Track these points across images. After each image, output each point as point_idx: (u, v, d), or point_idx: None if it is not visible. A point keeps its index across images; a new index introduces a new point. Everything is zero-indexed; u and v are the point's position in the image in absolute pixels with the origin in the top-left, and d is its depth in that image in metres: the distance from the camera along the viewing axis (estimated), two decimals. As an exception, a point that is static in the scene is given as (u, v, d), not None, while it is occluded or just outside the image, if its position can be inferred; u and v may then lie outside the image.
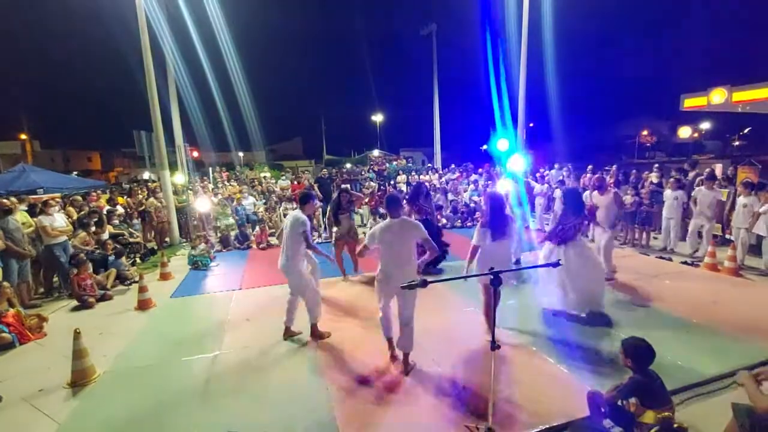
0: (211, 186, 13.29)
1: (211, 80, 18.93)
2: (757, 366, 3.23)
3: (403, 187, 13.71)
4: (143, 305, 5.36)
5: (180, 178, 11.78)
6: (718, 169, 9.42)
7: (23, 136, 34.16)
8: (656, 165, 9.74)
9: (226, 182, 13.91)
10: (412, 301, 3.39)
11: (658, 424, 2.31)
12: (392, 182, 15.19)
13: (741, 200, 6.30)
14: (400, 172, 15.89)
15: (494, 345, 2.42)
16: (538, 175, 12.39)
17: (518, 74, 11.19)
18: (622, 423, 2.48)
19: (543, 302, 4.72)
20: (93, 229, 6.88)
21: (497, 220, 3.76)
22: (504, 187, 7.22)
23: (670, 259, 6.81)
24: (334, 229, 6.35)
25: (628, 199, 7.73)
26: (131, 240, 8.18)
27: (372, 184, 14.22)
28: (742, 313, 4.45)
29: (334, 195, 7.42)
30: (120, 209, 9.11)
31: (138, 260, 7.92)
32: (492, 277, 2.38)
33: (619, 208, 5.73)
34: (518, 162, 9.35)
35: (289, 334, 4.18)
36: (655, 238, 7.95)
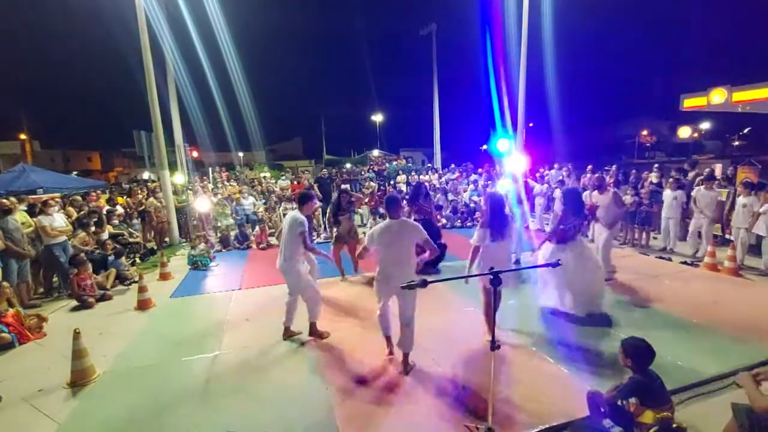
0: (210, 186, 13.30)
1: (211, 80, 18.95)
2: (756, 366, 3.24)
3: (403, 187, 13.72)
4: (143, 305, 5.36)
5: (180, 178, 11.78)
6: (718, 169, 9.43)
7: (23, 136, 34.14)
8: (656, 165, 9.75)
9: (225, 182, 13.91)
10: (412, 301, 3.39)
11: (657, 424, 2.31)
12: (392, 182, 15.20)
13: (741, 200, 6.30)
14: (400, 172, 15.89)
15: (494, 345, 2.42)
16: (537, 175, 12.39)
17: (518, 74, 11.19)
18: (622, 423, 2.48)
19: (543, 302, 4.73)
20: (93, 229, 6.88)
21: (497, 220, 3.76)
22: (504, 187, 7.23)
23: (669, 259, 6.82)
24: (334, 229, 6.35)
25: (627, 199, 7.73)
26: (131, 240, 8.18)
27: (372, 184, 14.23)
28: (742, 313, 4.45)
29: (334, 195, 7.43)
30: (120, 209, 9.11)
31: (138, 260, 7.91)
32: (491, 277, 2.38)
33: (619, 207, 5.73)
34: (518, 162, 9.35)
35: (288, 334, 4.18)
36: (655, 238, 7.95)
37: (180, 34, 12.47)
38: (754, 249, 6.38)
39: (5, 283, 4.89)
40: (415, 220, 6.57)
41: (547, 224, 9.50)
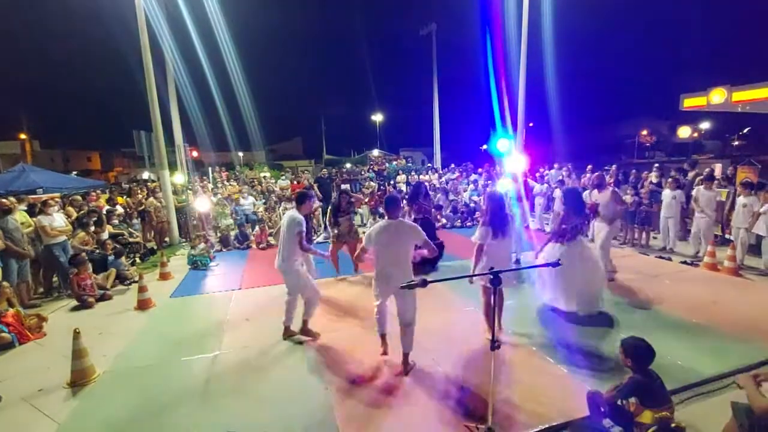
0: (210, 186, 13.30)
1: (210, 80, 18.95)
2: (756, 366, 3.24)
3: (403, 187, 13.72)
4: (143, 305, 5.36)
5: (179, 177, 11.78)
6: (718, 168, 9.42)
7: (23, 136, 34.15)
8: (656, 165, 9.74)
9: (225, 182, 13.91)
10: (412, 301, 3.38)
11: (656, 423, 2.31)
12: (392, 182, 15.20)
13: (741, 200, 6.30)
14: (400, 171, 15.89)
15: (494, 345, 2.43)
16: (537, 174, 12.39)
17: (518, 74, 11.19)
18: (622, 423, 2.48)
19: (543, 301, 4.73)
20: (92, 228, 6.88)
21: (498, 219, 3.77)
22: (504, 186, 7.23)
23: (669, 259, 6.82)
24: (335, 230, 6.35)
25: (627, 198, 7.74)
26: (131, 240, 8.19)
27: (372, 183, 14.23)
28: (742, 312, 4.45)
29: (334, 195, 7.43)
30: (119, 209, 9.12)
31: (137, 260, 7.91)
32: (491, 276, 2.38)
33: (619, 205, 5.73)
34: (518, 162, 9.34)
35: (288, 334, 4.18)
36: (655, 238, 7.95)
37: (180, 34, 12.49)
38: (754, 249, 6.38)
39: (5, 283, 4.89)
40: (414, 219, 6.59)
41: (547, 224, 9.50)
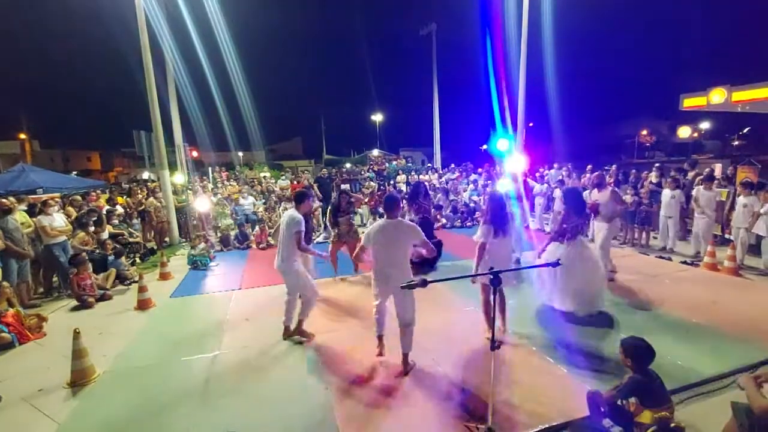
0: (210, 186, 13.30)
1: (210, 80, 18.95)
2: (756, 366, 3.24)
3: (403, 187, 13.72)
4: (143, 305, 5.36)
5: (179, 177, 11.78)
6: (718, 168, 9.42)
7: (23, 136, 34.16)
8: (656, 165, 9.74)
9: (225, 182, 13.92)
10: (410, 302, 3.37)
11: (655, 423, 2.31)
12: (392, 182, 15.20)
13: (741, 200, 6.30)
14: (400, 171, 15.88)
15: (494, 345, 2.43)
16: (537, 174, 12.39)
17: (518, 74, 11.19)
18: (622, 422, 2.48)
19: (543, 301, 4.73)
20: (92, 228, 6.88)
21: (499, 217, 3.79)
22: (504, 186, 7.24)
23: (669, 259, 6.82)
24: (334, 230, 6.35)
25: (627, 198, 7.74)
26: (131, 240, 8.19)
27: (372, 183, 14.22)
28: (742, 312, 4.45)
29: (334, 195, 7.43)
30: (119, 209, 9.12)
31: (137, 260, 7.92)
32: (491, 276, 2.38)
33: (619, 205, 5.73)
34: (517, 162, 9.35)
35: (288, 334, 4.18)
36: (655, 238, 7.95)
37: (180, 34, 12.49)
38: (754, 249, 6.39)
39: (5, 283, 4.89)
40: (414, 218, 6.60)
41: (547, 224, 9.50)
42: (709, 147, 35.72)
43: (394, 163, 18.47)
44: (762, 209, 5.94)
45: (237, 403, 3.11)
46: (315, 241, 7.01)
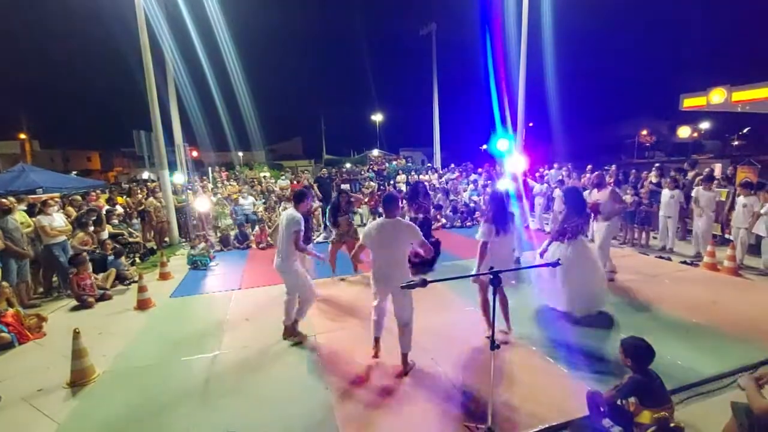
0: (210, 186, 13.30)
1: (210, 80, 18.93)
2: (756, 366, 3.24)
3: (403, 187, 13.73)
4: (142, 305, 5.36)
5: (179, 177, 11.78)
6: (718, 168, 9.43)
7: (22, 136, 34.16)
8: (656, 165, 9.74)
9: (225, 182, 13.92)
10: (408, 301, 3.37)
11: (654, 424, 2.31)
12: (392, 182, 15.21)
13: (741, 200, 6.30)
14: (400, 171, 15.89)
15: (494, 345, 2.43)
16: (537, 174, 12.39)
17: (518, 74, 11.19)
18: (622, 422, 2.48)
19: (543, 301, 4.73)
20: (92, 228, 6.87)
21: (500, 216, 3.79)
22: (504, 186, 7.24)
23: (669, 259, 6.82)
24: (334, 230, 6.35)
25: (627, 198, 7.74)
26: (130, 240, 8.19)
27: (372, 183, 14.23)
28: (742, 312, 4.45)
29: (334, 195, 7.43)
30: (119, 209, 9.11)
31: (137, 260, 7.91)
32: (491, 276, 2.38)
33: (618, 203, 5.73)
34: (517, 162, 9.34)
35: (288, 334, 4.17)
36: (655, 238, 7.95)
37: (180, 34, 12.48)
38: (754, 249, 6.39)
39: (5, 283, 4.88)
40: (413, 218, 6.61)
41: (547, 224, 9.50)
42: (709, 147, 35.75)
43: (394, 163, 18.49)
44: (762, 209, 5.94)
45: (237, 403, 3.11)
46: (315, 241, 7.01)
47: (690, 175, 8.62)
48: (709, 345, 3.73)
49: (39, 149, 36.92)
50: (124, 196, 11.15)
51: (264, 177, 15.55)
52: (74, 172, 27.02)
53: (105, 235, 7.22)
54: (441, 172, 16.53)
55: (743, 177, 7.60)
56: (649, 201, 7.82)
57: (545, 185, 10.13)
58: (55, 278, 6.40)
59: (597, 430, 2.61)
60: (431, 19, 20.85)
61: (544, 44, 13.49)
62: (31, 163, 19.70)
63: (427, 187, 7.74)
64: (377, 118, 36.76)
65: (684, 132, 32.82)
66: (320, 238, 8.80)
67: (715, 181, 7.35)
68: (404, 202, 7.25)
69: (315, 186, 11.55)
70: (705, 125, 35.10)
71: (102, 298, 5.74)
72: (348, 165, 24.54)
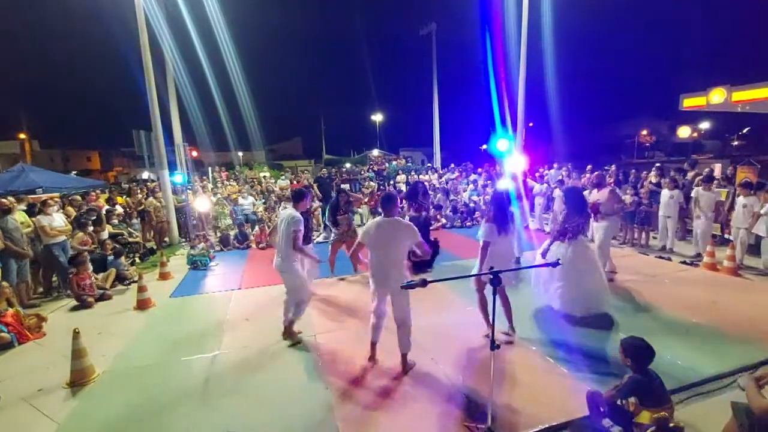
0: (210, 186, 13.30)
1: (210, 80, 18.91)
2: (756, 366, 3.24)
3: (403, 187, 13.74)
4: (142, 305, 5.36)
5: (179, 177, 11.77)
6: (718, 168, 9.43)
7: (22, 136, 34.16)
8: (657, 165, 9.74)
9: (225, 182, 13.92)
10: (405, 301, 3.35)
11: (654, 424, 2.31)
12: (392, 182, 15.21)
13: (741, 200, 6.30)
14: (400, 171, 15.90)
15: (494, 345, 2.43)
16: (537, 174, 12.40)
17: (518, 74, 11.18)
18: (622, 422, 2.48)
19: (543, 301, 4.72)
20: (91, 228, 6.87)
21: (502, 216, 3.79)
22: (505, 186, 7.24)
23: (669, 259, 6.82)
24: (334, 230, 6.35)
25: (627, 198, 7.74)
26: (130, 240, 8.18)
27: (371, 183, 14.25)
28: (742, 312, 4.45)
29: (333, 195, 7.44)
30: (119, 209, 9.12)
31: (137, 260, 7.91)
32: (491, 276, 2.38)
33: (617, 203, 5.73)
34: (517, 162, 9.33)
35: (288, 334, 4.17)
36: (654, 238, 7.95)
37: (179, 33, 12.46)
38: (754, 249, 6.39)
39: (5, 283, 4.88)
40: (413, 217, 6.62)
41: (547, 224, 9.50)
42: (708, 147, 35.76)
43: (394, 163, 18.49)
44: (762, 210, 5.94)
45: (237, 403, 3.11)
46: (315, 241, 7.01)
47: (690, 175, 8.62)
48: (709, 345, 3.73)
49: (39, 149, 36.94)
50: (124, 196, 11.15)
51: (264, 177, 15.56)
52: (74, 172, 27.01)
53: (105, 235, 7.21)
54: (441, 172, 16.54)
55: (743, 177, 7.60)
56: (649, 201, 7.82)
57: (545, 185, 10.14)
58: (54, 278, 6.39)
59: (597, 430, 2.61)
60: (431, 19, 20.85)
61: (544, 44, 13.50)
62: (31, 163, 19.69)
63: (427, 187, 7.74)
64: (377, 118, 36.77)
65: (684, 132, 32.83)
66: (320, 238, 8.79)
67: (715, 181, 7.35)
68: (404, 201, 7.25)
69: (315, 186, 11.54)
70: (705, 125, 35.12)
71: (102, 298, 5.74)
72: (348, 165, 24.56)
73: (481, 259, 3.80)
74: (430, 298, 4.72)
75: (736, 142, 34.92)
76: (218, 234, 9.50)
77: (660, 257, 6.97)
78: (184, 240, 9.81)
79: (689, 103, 10.01)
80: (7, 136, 34.08)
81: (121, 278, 6.48)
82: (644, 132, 40.02)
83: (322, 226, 9.69)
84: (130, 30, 8.93)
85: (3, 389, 3.45)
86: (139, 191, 11.07)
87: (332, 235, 6.38)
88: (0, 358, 4.13)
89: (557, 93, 21.28)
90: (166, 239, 9.61)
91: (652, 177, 8.68)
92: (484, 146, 23.46)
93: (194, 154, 17.91)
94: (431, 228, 7.88)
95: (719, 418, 2.38)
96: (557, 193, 8.87)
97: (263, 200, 11.69)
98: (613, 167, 11.71)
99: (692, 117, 31.19)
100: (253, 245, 8.94)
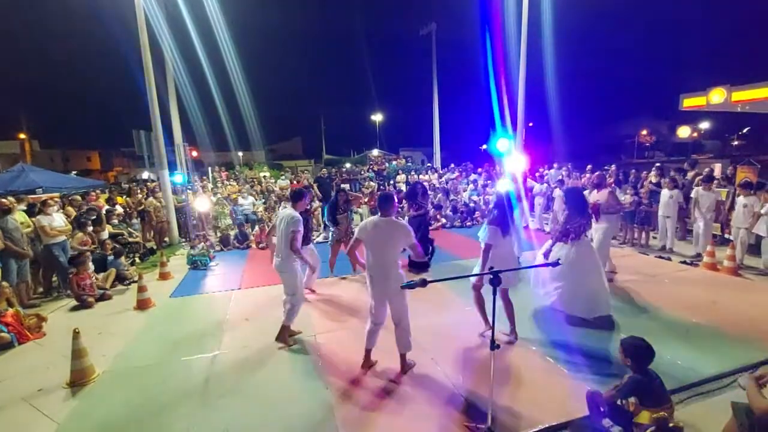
0: (210, 186, 13.30)
1: (210, 80, 18.88)
2: (756, 365, 3.24)
3: (403, 187, 13.74)
4: (142, 305, 5.36)
5: (179, 177, 11.78)
6: (718, 168, 9.43)
7: (22, 136, 34.17)
8: (657, 165, 9.75)
9: (225, 182, 13.92)
10: (402, 301, 3.34)
11: (653, 424, 2.31)
12: (392, 182, 15.21)
13: (741, 200, 6.31)
14: (400, 171, 15.90)
15: (494, 345, 2.43)
16: (537, 174, 12.40)
17: (518, 74, 11.18)
18: (622, 422, 2.48)
19: (543, 301, 4.72)
20: (91, 228, 6.87)
21: (506, 219, 3.78)
22: (505, 186, 7.24)
23: (669, 259, 6.82)
24: (333, 230, 6.35)
25: (627, 198, 7.74)
26: (130, 240, 8.18)
27: (371, 183, 14.24)
28: (742, 312, 4.45)
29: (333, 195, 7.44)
30: (119, 209, 9.12)
31: (137, 260, 7.91)
32: (491, 276, 2.38)
33: (616, 204, 5.72)
34: (517, 162, 9.35)
35: (288, 334, 4.17)
36: (654, 238, 7.95)
37: (179, 33, 12.46)
38: (754, 248, 6.39)
39: (5, 283, 4.88)
40: (413, 217, 6.63)
41: (547, 224, 9.50)
42: (708, 147, 35.80)
43: (394, 163, 18.48)
44: (762, 209, 5.94)
45: (237, 403, 3.11)
46: (314, 241, 7.00)
47: (690, 175, 8.62)
48: (709, 345, 3.73)
49: (39, 149, 36.94)
50: (124, 196, 11.15)
51: (264, 177, 15.56)
52: (74, 172, 27.02)
53: (105, 235, 7.21)
54: (441, 172, 16.54)
55: (743, 177, 7.60)
56: (649, 201, 7.82)
57: (545, 185, 10.14)
58: (54, 278, 6.39)
59: (597, 430, 2.60)
60: (431, 19, 20.86)
61: (544, 44, 13.48)
62: (31, 163, 19.69)
63: (426, 187, 7.75)
64: (377, 118, 36.78)
65: (684, 132, 32.85)
66: (320, 239, 8.79)
67: (715, 181, 7.35)
68: (404, 201, 7.26)
69: (315, 186, 11.54)
70: (705, 125, 35.15)
71: (102, 298, 5.74)
72: (348, 165, 24.56)
73: (483, 261, 3.78)
74: (430, 298, 4.71)
75: (736, 142, 34.95)
76: (218, 234, 9.50)
77: (660, 257, 6.97)
78: (184, 240, 9.80)
79: (689, 103, 10.01)
80: (7, 136, 34.09)
81: (121, 278, 6.48)
82: (644, 132, 40.06)
83: (322, 226, 9.69)
84: (130, 30, 8.94)
85: (3, 389, 3.46)
86: (139, 191, 11.07)
87: (332, 235, 6.38)
88: (0, 358, 4.13)
89: (557, 93, 21.29)
90: (166, 239, 9.61)
91: (652, 177, 8.68)
92: (484, 146, 23.47)
93: (194, 154, 17.92)
94: (431, 228, 7.89)
95: (719, 418, 2.38)
96: (557, 193, 8.87)
97: (263, 200, 11.69)
98: (613, 167, 11.71)
99: (692, 117, 31.23)
100: (253, 245, 8.94)
